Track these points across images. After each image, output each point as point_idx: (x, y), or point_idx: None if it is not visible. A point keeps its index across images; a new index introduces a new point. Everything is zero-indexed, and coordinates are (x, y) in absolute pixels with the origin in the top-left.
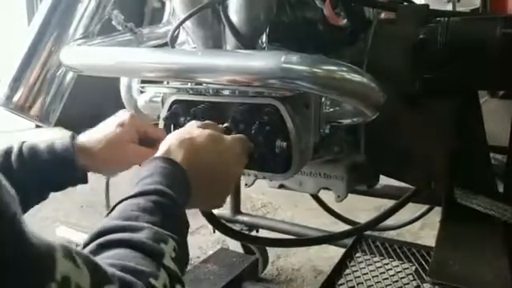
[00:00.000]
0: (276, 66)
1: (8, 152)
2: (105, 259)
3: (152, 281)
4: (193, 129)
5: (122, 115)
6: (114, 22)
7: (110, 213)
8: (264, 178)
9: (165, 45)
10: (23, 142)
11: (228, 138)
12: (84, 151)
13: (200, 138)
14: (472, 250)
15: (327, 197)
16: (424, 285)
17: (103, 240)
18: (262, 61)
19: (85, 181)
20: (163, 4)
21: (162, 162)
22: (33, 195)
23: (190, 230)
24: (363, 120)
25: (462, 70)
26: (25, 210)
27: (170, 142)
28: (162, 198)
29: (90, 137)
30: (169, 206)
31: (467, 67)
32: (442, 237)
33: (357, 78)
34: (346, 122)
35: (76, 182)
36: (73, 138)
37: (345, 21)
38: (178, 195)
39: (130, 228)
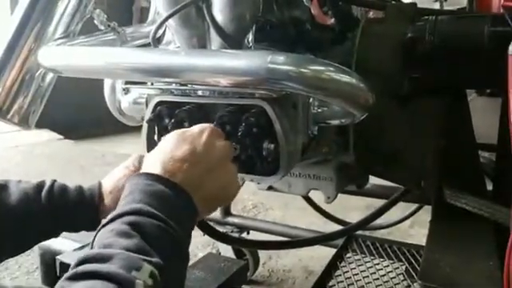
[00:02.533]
0: (262, 66)
1: (40, 186)
2: None
3: None
4: (175, 139)
5: (130, 158)
6: (95, 21)
7: (93, 241)
8: (252, 180)
9: (149, 44)
10: (55, 180)
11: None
12: (111, 193)
13: (184, 150)
14: (462, 251)
15: (318, 196)
16: (414, 284)
17: (72, 272)
18: (248, 61)
19: None
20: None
21: (142, 179)
22: (50, 230)
23: None
24: (352, 120)
25: (450, 68)
26: (37, 242)
27: (154, 155)
28: (138, 217)
29: (116, 178)
30: (147, 225)
31: (455, 66)
32: (431, 238)
33: (345, 78)
34: (335, 122)
35: (94, 226)
36: (100, 184)
37: (332, 20)
38: (161, 209)
39: (100, 258)
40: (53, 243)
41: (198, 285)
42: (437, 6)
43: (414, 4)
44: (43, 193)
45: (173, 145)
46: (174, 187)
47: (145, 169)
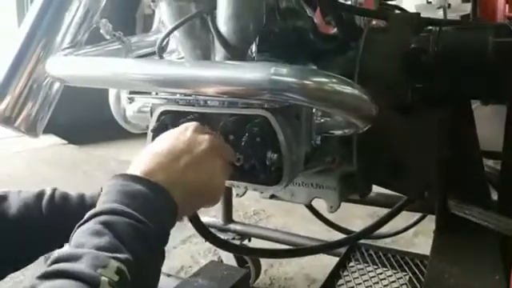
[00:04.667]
0: (265, 77)
1: (40, 195)
2: None
3: None
4: (167, 136)
5: None
6: (102, 31)
7: (70, 241)
8: (255, 190)
9: (154, 53)
10: (55, 189)
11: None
12: None
13: (171, 146)
14: (467, 262)
15: (320, 204)
16: None
17: (44, 272)
18: (251, 73)
19: None
20: (154, 11)
21: (119, 180)
22: (55, 240)
23: (181, 239)
24: (355, 131)
25: (454, 79)
26: (43, 252)
27: (138, 156)
28: (111, 216)
29: None
30: (119, 223)
31: (459, 77)
32: (436, 248)
33: (347, 89)
34: (338, 133)
35: None
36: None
37: (335, 29)
38: (136, 208)
39: (71, 257)
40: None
41: None
42: (440, 12)
43: (418, 14)
44: (44, 202)
45: (156, 144)
46: (150, 185)
47: (129, 168)
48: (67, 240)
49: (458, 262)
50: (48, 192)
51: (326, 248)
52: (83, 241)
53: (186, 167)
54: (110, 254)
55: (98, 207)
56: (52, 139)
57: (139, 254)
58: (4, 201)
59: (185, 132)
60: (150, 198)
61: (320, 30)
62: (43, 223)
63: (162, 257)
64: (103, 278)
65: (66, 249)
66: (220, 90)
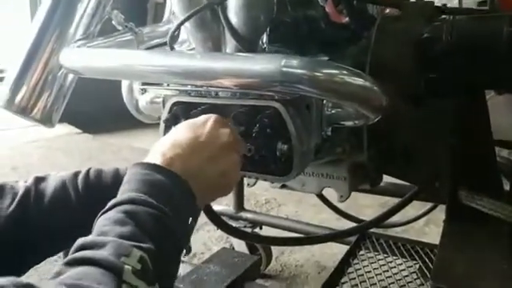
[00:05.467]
0: (276, 69)
1: (76, 174)
2: (66, 279)
3: None
4: (183, 128)
5: None
6: (114, 22)
7: (93, 228)
8: (265, 180)
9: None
10: (90, 168)
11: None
12: None
13: (187, 138)
14: (477, 252)
15: (331, 193)
16: (428, 283)
17: (71, 258)
18: (262, 64)
19: None
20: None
21: (140, 169)
22: (94, 216)
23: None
24: (365, 122)
25: (467, 69)
26: (85, 229)
27: (157, 145)
28: (133, 206)
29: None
30: (141, 213)
31: (473, 66)
32: (445, 238)
33: (358, 81)
34: (348, 124)
35: None
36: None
37: (347, 18)
38: (156, 197)
39: (95, 244)
40: None
41: (213, 279)
42: (456, 0)
43: (432, 2)
44: (79, 180)
45: (176, 134)
46: (171, 176)
47: (147, 158)
48: None
49: (467, 252)
50: (83, 170)
51: (337, 236)
52: (107, 229)
53: (205, 160)
54: (133, 243)
55: (120, 196)
56: (66, 128)
57: (160, 243)
58: (43, 181)
59: (205, 124)
60: (170, 188)
61: (331, 20)
62: (80, 200)
63: (181, 246)
64: (126, 266)
65: (90, 236)
66: (231, 82)
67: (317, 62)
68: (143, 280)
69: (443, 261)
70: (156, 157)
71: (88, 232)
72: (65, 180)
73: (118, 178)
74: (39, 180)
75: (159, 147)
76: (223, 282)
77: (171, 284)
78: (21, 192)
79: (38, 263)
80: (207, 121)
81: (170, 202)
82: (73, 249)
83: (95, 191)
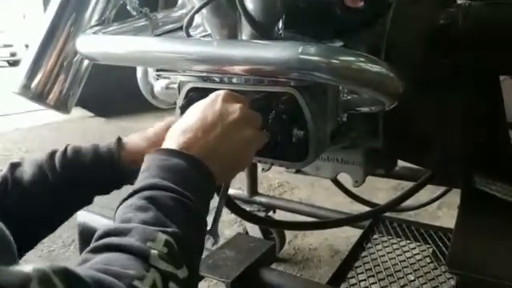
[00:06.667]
0: (293, 57)
1: (52, 154)
2: (94, 264)
3: (136, 283)
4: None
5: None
6: (128, 8)
7: (114, 216)
8: (281, 165)
9: (180, 29)
10: (68, 145)
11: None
12: (131, 151)
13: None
14: (491, 238)
15: (344, 177)
16: (441, 267)
17: (96, 245)
18: (279, 52)
19: (132, 182)
20: None
21: (158, 155)
22: (76, 197)
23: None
24: (381, 108)
25: (482, 55)
26: (68, 214)
27: (171, 130)
28: (154, 192)
29: (139, 136)
30: (162, 197)
31: (488, 52)
32: (460, 224)
33: (375, 68)
34: (364, 109)
35: (121, 182)
36: (119, 139)
37: (362, 3)
38: (176, 181)
39: (120, 231)
40: (91, 221)
41: (228, 264)
42: None
43: None
44: (56, 159)
45: (188, 117)
46: (188, 159)
47: (163, 144)
48: (85, 195)
49: (482, 238)
50: (61, 149)
51: (351, 221)
52: (130, 216)
53: (219, 139)
54: (157, 228)
55: (140, 183)
56: (79, 112)
57: (184, 226)
58: (18, 167)
59: (215, 102)
60: (188, 170)
61: (347, 4)
62: (60, 179)
63: (205, 226)
64: (153, 250)
65: (114, 224)
66: (248, 69)
67: (334, 50)
68: (171, 263)
69: (458, 247)
70: (171, 142)
71: (70, 211)
72: (41, 162)
73: (97, 153)
74: (14, 166)
75: (173, 132)
76: (239, 267)
77: (197, 266)
78: None
79: (27, 251)
80: (216, 98)
81: (190, 185)
82: (96, 236)
83: (74, 168)
